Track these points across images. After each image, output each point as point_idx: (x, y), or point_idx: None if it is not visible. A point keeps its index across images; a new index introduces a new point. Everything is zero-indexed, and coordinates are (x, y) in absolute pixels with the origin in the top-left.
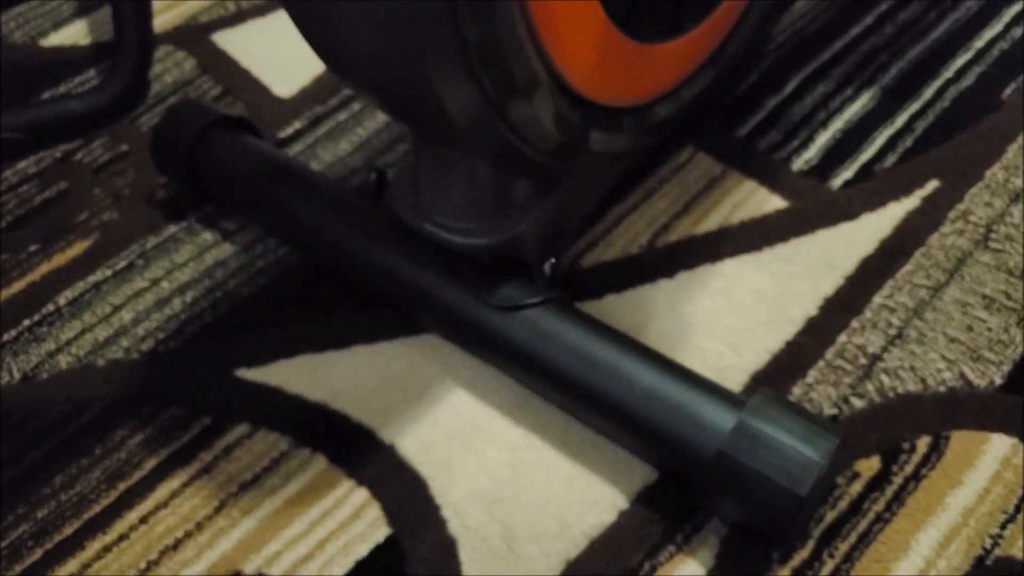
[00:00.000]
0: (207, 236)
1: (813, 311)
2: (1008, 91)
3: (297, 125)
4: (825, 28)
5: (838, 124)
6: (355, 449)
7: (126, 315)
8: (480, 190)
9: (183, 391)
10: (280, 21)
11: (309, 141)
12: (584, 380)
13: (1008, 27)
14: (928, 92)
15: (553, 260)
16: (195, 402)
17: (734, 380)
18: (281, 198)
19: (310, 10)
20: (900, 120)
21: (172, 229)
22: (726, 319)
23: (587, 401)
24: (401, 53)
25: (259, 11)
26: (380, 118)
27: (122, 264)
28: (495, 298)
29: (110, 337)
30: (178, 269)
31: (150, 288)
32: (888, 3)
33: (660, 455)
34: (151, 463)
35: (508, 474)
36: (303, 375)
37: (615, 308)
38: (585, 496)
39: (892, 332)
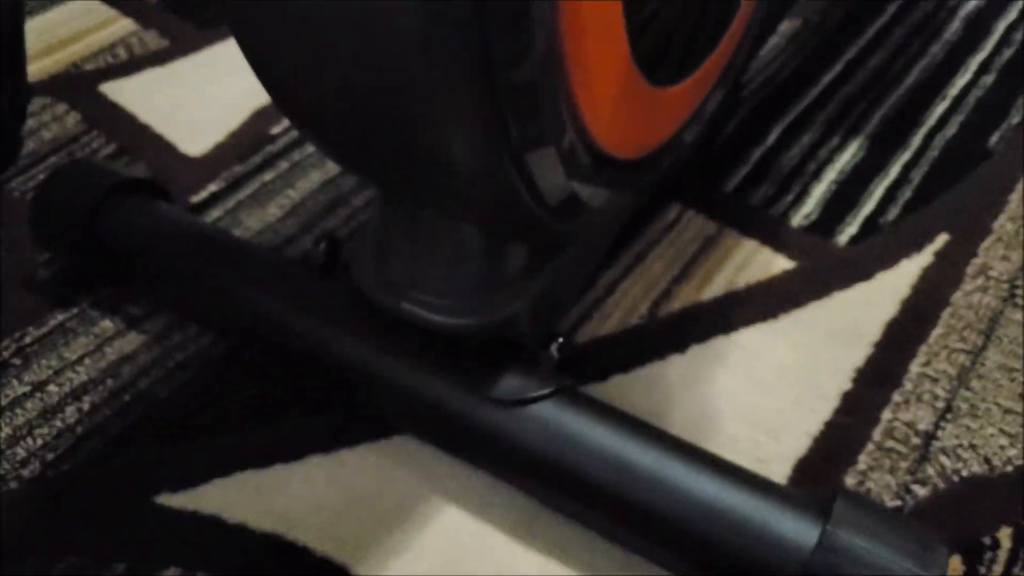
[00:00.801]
0: (107, 324)
1: (847, 384)
2: (994, 139)
3: (213, 188)
4: (796, 75)
5: (831, 175)
6: None
7: (1, 432)
8: (469, 261)
9: (86, 531)
10: (185, 67)
11: (229, 205)
12: (616, 489)
13: (977, 75)
14: (915, 140)
15: (560, 339)
16: (103, 545)
17: (777, 472)
18: (204, 274)
19: (269, 31)
20: (894, 171)
21: (59, 317)
22: (753, 399)
23: (620, 515)
24: (405, 91)
25: (156, 58)
26: (314, 177)
27: None
28: (495, 390)
29: None
30: (70, 368)
31: (32, 395)
32: (854, 50)
33: None
34: None
35: None
36: (246, 498)
37: (626, 391)
38: None
39: (940, 405)
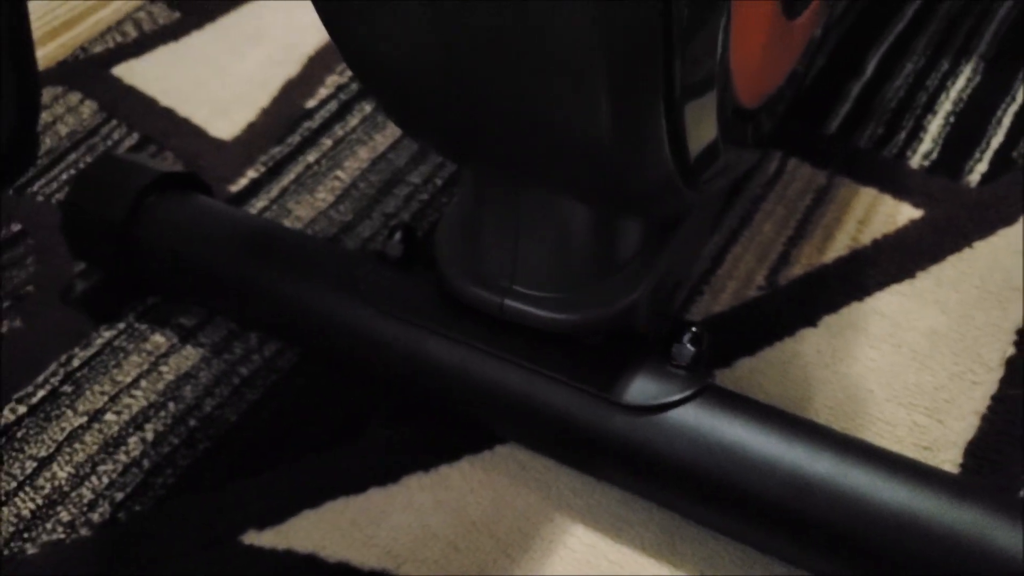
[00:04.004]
0: (158, 339)
1: (1010, 349)
2: None
3: (252, 174)
4: None
5: (947, 106)
6: None
7: (60, 472)
8: (579, 246)
9: None
10: (201, 41)
11: (273, 193)
12: (787, 502)
13: None
14: None
15: (694, 329)
16: None
17: (946, 460)
18: (262, 275)
19: None
20: (1020, 94)
21: (106, 335)
22: (905, 375)
23: (792, 532)
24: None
25: (168, 33)
26: (362, 155)
27: (40, 395)
28: (627, 394)
29: (39, 509)
30: (126, 393)
31: (89, 426)
32: None
33: None
34: None
35: None
36: (343, 531)
37: (756, 377)
38: None
39: None
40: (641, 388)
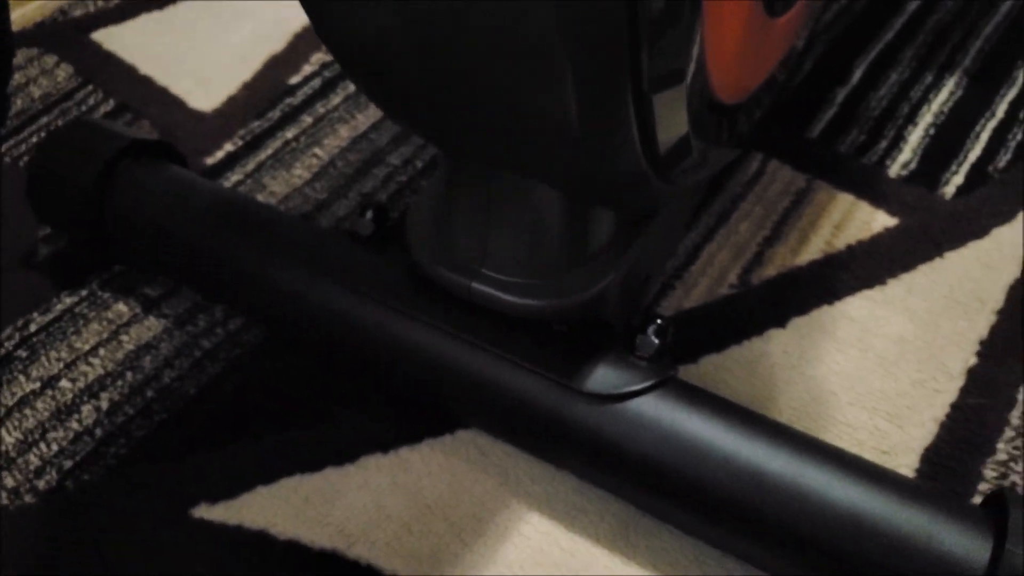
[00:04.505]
0: (121, 308)
1: (972, 359)
2: None
3: (229, 147)
4: (876, 4)
5: (927, 118)
6: None
7: (8, 438)
8: (551, 233)
9: (113, 551)
10: (185, 11)
11: (249, 168)
12: (741, 498)
13: None
14: (1021, 75)
15: (659, 321)
16: (134, 566)
17: (903, 464)
18: (231, 248)
19: None
20: (1000, 109)
21: (67, 301)
22: (868, 379)
23: (745, 527)
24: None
25: (154, 2)
26: (343, 133)
27: None
28: (589, 382)
29: None
30: (83, 360)
31: (42, 392)
32: None
33: None
34: None
35: None
36: (296, 509)
37: (721, 374)
38: None
39: None
40: (602, 377)
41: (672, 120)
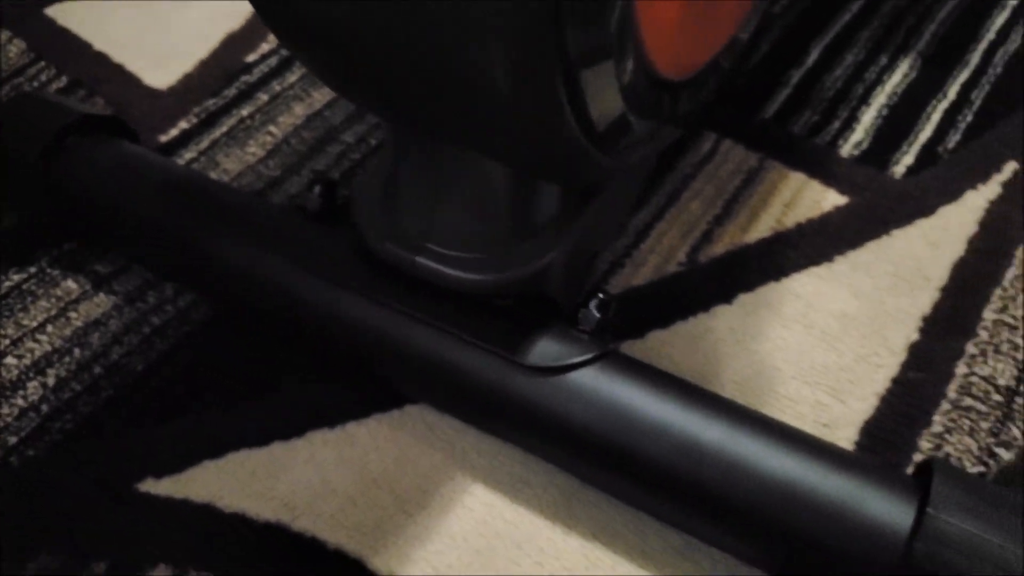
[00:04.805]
0: (70, 285)
1: (914, 335)
2: None
3: (184, 125)
4: None
5: (881, 99)
6: None
7: None
8: (495, 207)
9: (60, 525)
10: None
11: (203, 145)
12: (677, 467)
13: None
14: (974, 57)
15: (600, 296)
16: (80, 540)
17: (843, 436)
18: (181, 225)
19: None
20: (952, 92)
21: (15, 278)
22: (811, 354)
23: (681, 496)
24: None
25: None
26: (298, 111)
27: None
28: (530, 355)
29: None
30: (29, 337)
31: None
32: None
33: (797, 567)
34: None
35: None
36: (242, 483)
37: (667, 349)
38: None
39: (1021, 356)
40: (543, 350)
41: (605, 96)
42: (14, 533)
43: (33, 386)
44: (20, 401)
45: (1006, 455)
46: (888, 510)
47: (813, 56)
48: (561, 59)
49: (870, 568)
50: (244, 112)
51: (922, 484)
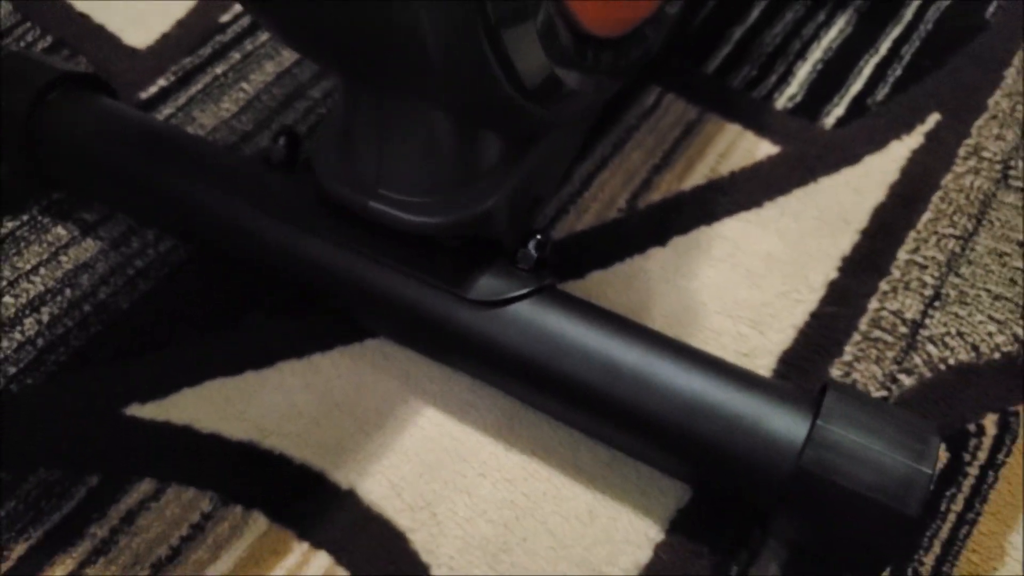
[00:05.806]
0: (60, 232)
1: (833, 274)
2: (991, 9)
3: (162, 83)
4: None
5: (816, 54)
6: (303, 500)
7: None
8: (441, 153)
9: (55, 444)
10: None
11: (180, 101)
12: (601, 387)
13: None
14: (907, 14)
15: (539, 236)
16: (74, 458)
17: (762, 365)
18: (158, 175)
19: None
20: (884, 46)
21: (8, 226)
22: (738, 291)
23: (604, 413)
24: None
25: None
26: (269, 69)
27: None
28: (473, 290)
29: None
30: (24, 279)
31: None
32: None
33: (707, 475)
34: (18, 550)
35: (511, 514)
36: (217, 407)
37: (604, 288)
38: (611, 532)
39: (928, 293)
40: (486, 285)
41: (529, 53)
42: (15, 451)
43: (29, 322)
44: (18, 336)
45: (908, 381)
46: (786, 423)
47: (755, 13)
48: (484, 21)
49: (770, 474)
50: (218, 70)
51: (818, 402)
